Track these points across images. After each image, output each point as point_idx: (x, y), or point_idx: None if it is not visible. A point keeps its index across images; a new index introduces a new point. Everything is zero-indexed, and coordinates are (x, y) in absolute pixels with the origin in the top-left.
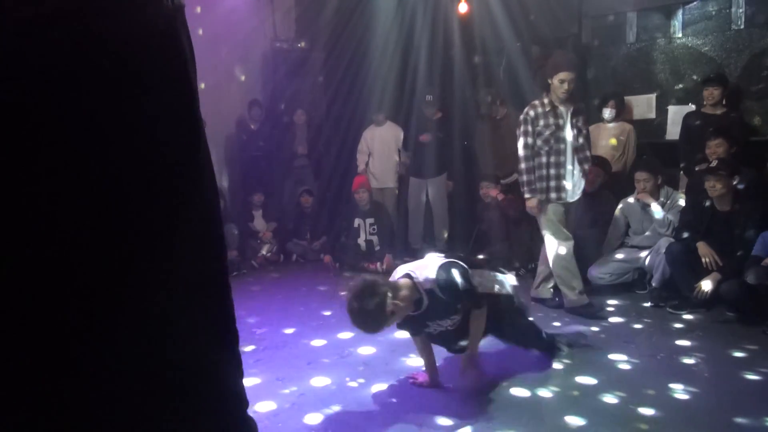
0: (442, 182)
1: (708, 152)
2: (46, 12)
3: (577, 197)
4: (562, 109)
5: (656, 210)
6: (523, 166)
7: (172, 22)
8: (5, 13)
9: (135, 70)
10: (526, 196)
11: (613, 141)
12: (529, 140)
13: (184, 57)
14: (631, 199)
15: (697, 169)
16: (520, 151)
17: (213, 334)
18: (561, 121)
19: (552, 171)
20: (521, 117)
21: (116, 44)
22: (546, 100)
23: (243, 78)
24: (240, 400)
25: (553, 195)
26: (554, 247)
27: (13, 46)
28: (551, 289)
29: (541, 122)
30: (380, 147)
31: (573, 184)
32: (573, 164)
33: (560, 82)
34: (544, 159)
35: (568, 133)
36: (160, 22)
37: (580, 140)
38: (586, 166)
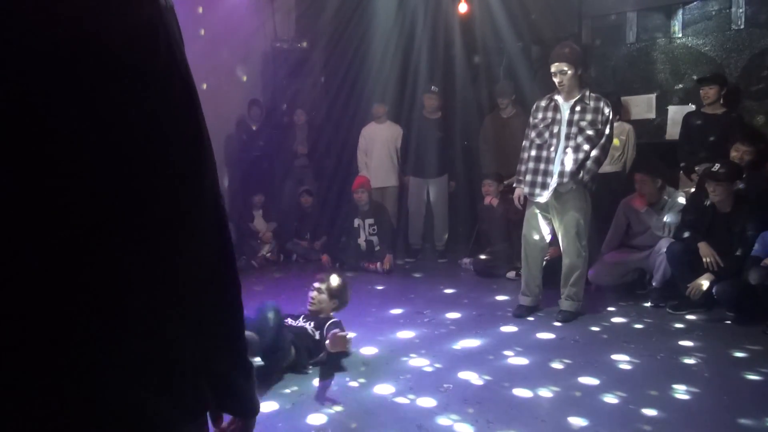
0: (443, 183)
1: (734, 155)
2: (51, 14)
3: (545, 198)
4: (561, 102)
5: (655, 213)
6: (521, 156)
7: (160, 15)
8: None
9: (131, 61)
10: (515, 186)
11: (615, 141)
12: (529, 132)
13: (174, 40)
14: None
15: (697, 168)
16: (523, 143)
17: (218, 322)
18: (558, 115)
19: (532, 165)
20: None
21: (116, 40)
22: (551, 95)
23: (244, 78)
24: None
25: (527, 190)
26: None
27: (21, 46)
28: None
29: (540, 115)
30: (380, 146)
31: (556, 182)
32: (563, 162)
33: (552, 74)
34: (534, 152)
35: (563, 128)
36: (155, 14)
37: (578, 139)
38: (568, 167)
